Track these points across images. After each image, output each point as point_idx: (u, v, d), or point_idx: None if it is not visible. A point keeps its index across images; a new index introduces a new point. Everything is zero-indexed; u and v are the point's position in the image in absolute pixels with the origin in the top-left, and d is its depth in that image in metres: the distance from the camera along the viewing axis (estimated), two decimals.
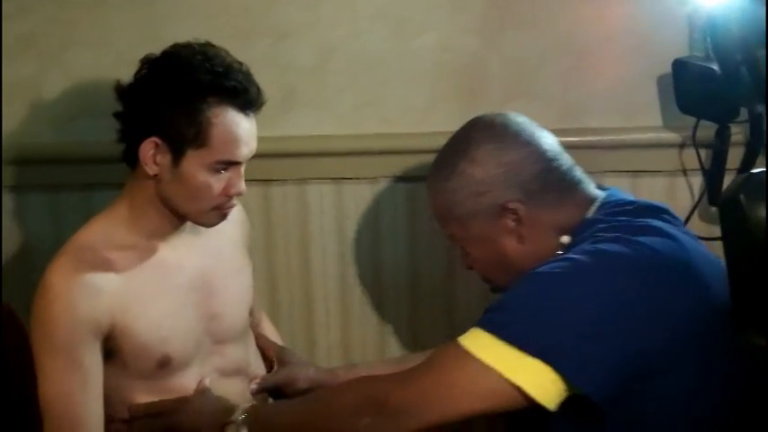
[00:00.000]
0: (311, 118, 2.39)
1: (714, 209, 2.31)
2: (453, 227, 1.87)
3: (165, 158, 1.81)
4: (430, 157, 2.37)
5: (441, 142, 2.34)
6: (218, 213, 1.87)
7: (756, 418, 1.64)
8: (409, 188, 2.40)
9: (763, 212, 1.18)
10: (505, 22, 2.34)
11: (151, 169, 1.82)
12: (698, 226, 2.31)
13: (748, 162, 2.15)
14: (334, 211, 2.43)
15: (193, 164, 1.80)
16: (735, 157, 2.23)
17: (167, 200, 1.85)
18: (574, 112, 2.35)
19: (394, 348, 2.50)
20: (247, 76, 1.83)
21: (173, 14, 2.31)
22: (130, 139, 1.84)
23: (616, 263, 1.62)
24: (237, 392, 1.99)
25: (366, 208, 2.43)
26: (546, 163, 1.80)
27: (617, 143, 2.32)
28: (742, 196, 1.19)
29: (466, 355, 1.60)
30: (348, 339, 2.50)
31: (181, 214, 1.88)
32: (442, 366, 1.64)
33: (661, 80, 2.33)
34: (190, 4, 2.32)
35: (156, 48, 1.85)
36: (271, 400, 2.08)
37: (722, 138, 2.26)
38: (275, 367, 2.11)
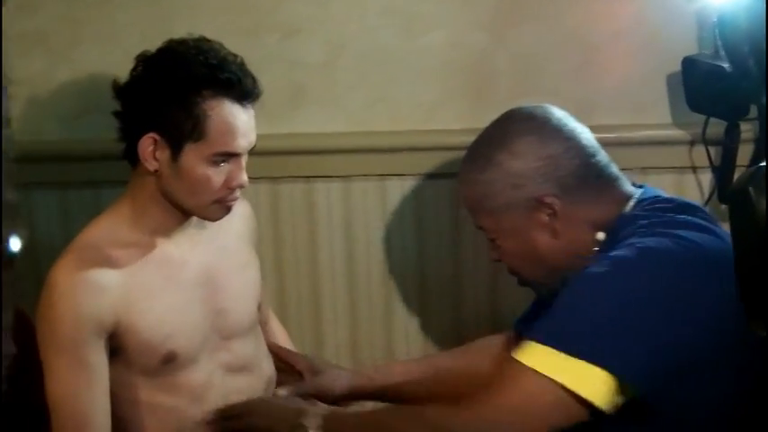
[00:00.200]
0: (320, 115, 2.39)
1: (724, 206, 2.30)
2: (485, 219, 1.85)
3: (164, 154, 1.81)
4: (439, 155, 2.37)
5: (450, 139, 2.34)
6: (222, 207, 1.87)
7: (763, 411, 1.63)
8: (418, 185, 2.40)
9: None
10: (514, 19, 2.33)
11: (151, 165, 1.82)
12: None
13: (758, 159, 2.14)
14: (343, 209, 2.43)
15: (192, 157, 1.80)
16: (745, 154, 2.23)
17: (169, 195, 1.86)
18: (583, 108, 2.33)
19: (402, 345, 2.49)
20: (242, 67, 1.84)
21: (180, 11, 2.31)
22: (130, 136, 1.86)
23: (664, 258, 1.61)
24: (245, 388, 1.99)
25: (374, 205, 2.43)
26: (585, 159, 1.79)
27: (626, 140, 2.32)
28: (751, 189, 1.19)
29: (525, 371, 1.57)
30: (356, 336, 2.50)
31: (184, 209, 1.88)
32: (504, 389, 1.61)
33: (670, 77, 2.32)
34: (197, 1, 2.33)
35: None
36: (319, 404, 2.03)
37: (732, 136, 2.25)
38: (306, 377, 2.07)
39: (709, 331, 1.57)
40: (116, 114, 1.88)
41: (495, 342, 2.07)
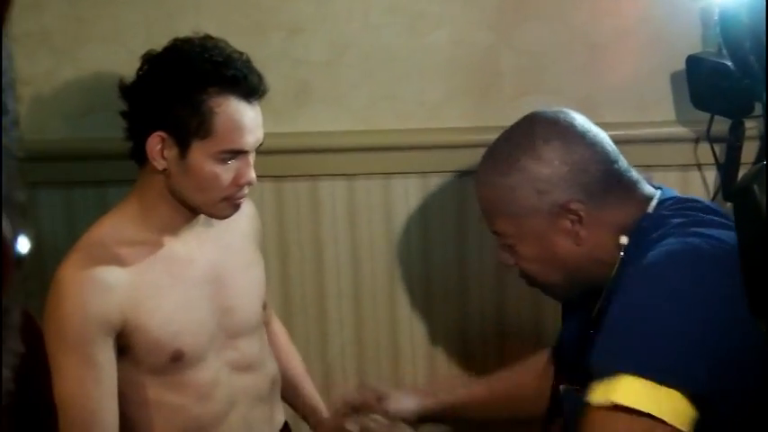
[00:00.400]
0: (324, 113, 2.39)
1: (729, 204, 2.30)
2: (504, 223, 1.80)
3: (171, 152, 1.82)
4: (443, 153, 2.37)
5: (455, 137, 2.34)
6: (230, 204, 1.88)
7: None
8: (423, 184, 2.40)
9: None
10: (519, 17, 2.33)
11: (159, 164, 1.83)
12: None
13: (763, 156, 2.14)
14: (347, 207, 2.43)
15: (200, 155, 1.81)
16: (750, 151, 2.23)
17: (178, 193, 1.86)
18: (587, 106, 2.33)
19: (407, 345, 2.49)
20: (247, 64, 1.84)
21: (185, 10, 2.32)
22: (137, 135, 1.86)
23: (709, 262, 1.58)
24: (250, 387, 1.99)
25: (379, 203, 2.43)
26: (609, 164, 1.77)
27: (630, 138, 2.31)
28: (755, 186, 1.19)
29: (609, 411, 1.51)
30: (360, 334, 2.50)
31: (192, 207, 1.88)
32: None
33: (675, 75, 2.32)
34: (202, 1, 2.33)
35: None
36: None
37: (736, 133, 2.25)
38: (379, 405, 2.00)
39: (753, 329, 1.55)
40: (123, 114, 1.89)
41: (539, 359, 2.06)
